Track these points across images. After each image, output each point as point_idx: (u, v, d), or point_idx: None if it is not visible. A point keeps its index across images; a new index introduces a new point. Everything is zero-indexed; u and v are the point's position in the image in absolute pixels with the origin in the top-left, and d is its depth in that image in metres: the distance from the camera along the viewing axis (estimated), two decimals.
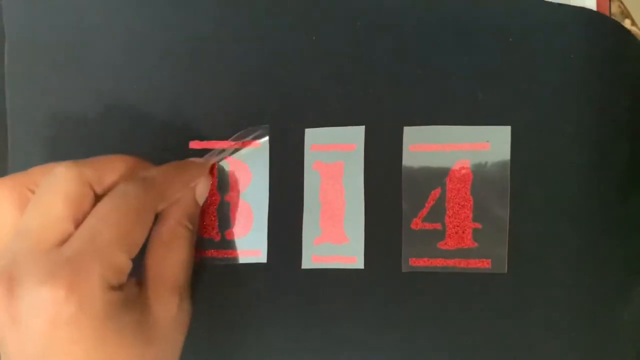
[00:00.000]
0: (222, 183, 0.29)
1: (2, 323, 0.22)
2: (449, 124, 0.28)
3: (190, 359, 0.28)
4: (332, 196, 0.29)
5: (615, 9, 0.34)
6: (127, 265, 0.23)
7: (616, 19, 0.33)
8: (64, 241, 0.23)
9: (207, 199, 0.29)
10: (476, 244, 0.28)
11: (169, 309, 0.25)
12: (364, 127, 0.29)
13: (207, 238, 0.29)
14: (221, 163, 0.29)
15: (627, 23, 0.34)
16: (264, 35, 0.29)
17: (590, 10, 0.28)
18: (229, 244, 0.29)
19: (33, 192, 0.25)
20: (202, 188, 0.28)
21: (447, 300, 0.28)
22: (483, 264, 0.28)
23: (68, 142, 0.30)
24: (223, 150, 0.29)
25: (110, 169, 0.25)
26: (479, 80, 0.28)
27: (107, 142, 0.29)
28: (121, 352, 0.23)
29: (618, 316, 0.28)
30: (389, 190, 0.29)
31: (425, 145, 0.28)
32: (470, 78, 0.28)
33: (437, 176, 0.28)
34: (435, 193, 0.28)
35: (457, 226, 0.28)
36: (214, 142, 0.29)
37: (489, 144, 0.28)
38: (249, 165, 0.29)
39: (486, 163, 0.28)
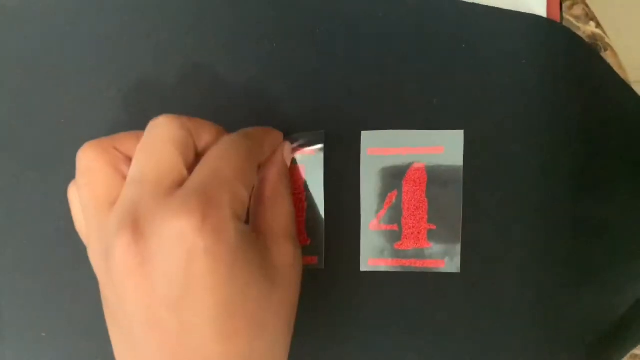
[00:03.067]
0: None
1: (127, 268, 0.21)
2: (405, 128, 0.29)
3: None
4: (295, 198, 0.30)
5: (579, 11, 0.34)
6: (247, 202, 0.24)
7: (581, 22, 0.34)
8: (180, 185, 0.23)
9: None
10: (431, 245, 0.29)
11: (286, 256, 0.25)
12: (324, 131, 0.29)
13: None
14: None
15: (591, 25, 0.34)
16: (228, 40, 0.30)
17: (541, 17, 0.28)
18: None
19: (119, 151, 0.25)
20: (287, 150, 0.28)
21: (404, 299, 0.29)
22: (437, 264, 0.29)
23: (34, 145, 0.31)
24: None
25: (207, 128, 0.25)
26: (434, 86, 0.29)
27: (73, 144, 0.30)
28: (252, 288, 0.23)
29: (569, 314, 0.28)
30: (348, 192, 0.29)
31: (383, 149, 0.29)
32: (425, 84, 0.29)
33: (394, 179, 0.29)
34: (392, 195, 0.29)
35: (413, 227, 0.29)
36: None
37: (443, 148, 0.29)
38: None
39: (440, 166, 0.29)
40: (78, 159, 0.24)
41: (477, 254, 0.28)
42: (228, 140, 0.25)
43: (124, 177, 0.24)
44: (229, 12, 0.30)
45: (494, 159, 0.28)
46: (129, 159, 0.24)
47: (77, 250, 0.30)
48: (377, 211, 0.29)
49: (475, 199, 0.28)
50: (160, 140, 0.23)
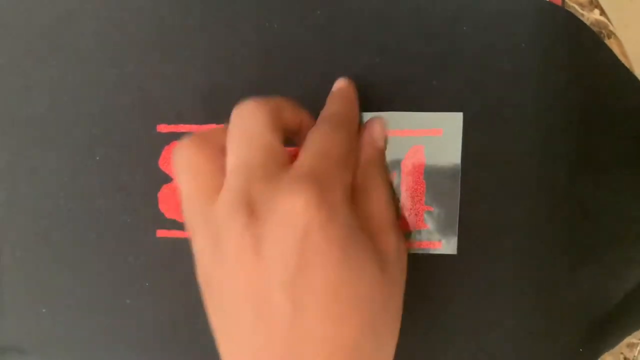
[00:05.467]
0: None
1: (242, 251, 0.22)
2: (404, 110, 0.29)
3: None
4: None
5: None
6: (350, 186, 0.24)
7: (585, 9, 0.34)
8: (285, 167, 0.23)
9: (173, 181, 0.30)
10: (428, 226, 0.29)
11: (389, 245, 0.25)
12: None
13: (170, 219, 0.31)
14: None
15: (595, 13, 0.34)
16: (227, 22, 0.30)
17: (542, 1, 0.28)
18: None
19: (216, 146, 0.25)
20: (378, 129, 0.28)
21: None
22: (434, 245, 0.29)
23: (35, 127, 0.31)
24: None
25: (289, 109, 0.26)
26: (434, 68, 0.29)
27: (75, 125, 0.31)
28: (364, 274, 0.22)
29: (565, 298, 0.28)
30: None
31: None
32: (425, 66, 0.29)
33: (393, 160, 0.29)
34: (392, 177, 0.29)
35: (410, 209, 0.29)
36: (181, 125, 0.31)
37: (442, 130, 0.29)
38: None
39: (439, 148, 0.29)
40: (176, 155, 0.25)
41: (475, 235, 0.28)
42: (327, 125, 0.25)
43: (223, 170, 0.24)
44: None
45: (492, 141, 0.28)
46: (223, 153, 0.24)
47: (78, 228, 0.31)
48: None
49: (474, 181, 0.28)
50: (254, 124, 0.23)
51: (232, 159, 0.24)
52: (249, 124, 0.24)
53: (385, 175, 0.27)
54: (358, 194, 0.25)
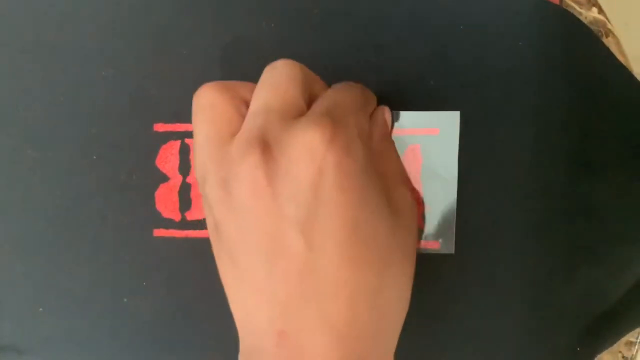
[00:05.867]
0: (184, 165, 0.31)
1: (255, 190, 0.21)
2: (401, 109, 0.29)
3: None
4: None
5: None
6: (367, 132, 0.25)
7: (583, 8, 0.34)
8: (301, 116, 0.23)
9: (170, 181, 0.30)
10: (426, 225, 0.29)
11: (404, 198, 0.25)
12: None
13: (167, 218, 0.31)
14: (187, 143, 0.30)
15: (593, 11, 0.34)
16: (225, 21, 0.30)
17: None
18: (189, 225, 0.30)
19: (240, 96, 0.25)
20: (387, 112, 0.28)
21: None
22: (432, 245, 0.29)
23: (32, 126, 0.31)
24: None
25: (317, 80, 0.26)
26: (431, 67, 0.29)
27: (72, 125, 0.31)
28: (380, 221, 0.22)
29: (562, 297, 0.28)
30: None
31: None
32: (422, 65, 0.29)
33: None
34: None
35: None
36: (178, 124, 0.30)
37: (438, 129, 0.29)
38: None
39: (436, 147, 0.29)
40: (197, 97, 0.24)
41: (472, 235, 0.28)
42: (344, 85, 0.26)
43: (243, 116, 0.24)
44: None
45: (489, 140, 0.28)
46: (246, 102, 0.25)
47: (75, 227, 0.31)
48: None
49: (471, 181, 0.28)
50: (284, 76, 0.24)
51: (254, 103, 0.24)
52: (277, 74, 0.24)
53: (396, 150, 0.28)
54: (373, 153, 0.25)
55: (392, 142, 0.28)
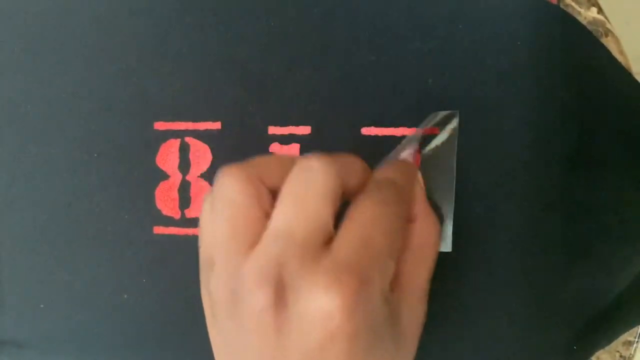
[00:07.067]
0: (184, 163, 0.31)
1: (261, 329, 0.20)
2: (400, 109, 0.29)
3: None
4: None
5: None
6: (392, 273, 0.22)
7: (583, 7, 0.34)
8: (327, 244, 0.21)
9: (170, 178, 0.31)
10: None
11: (417, 318, 0.24)
12: (319, 111, 0.30)
13: (167, 216, 0.31)
14: (187, 141, 0.31)
15: (593, 11, 0.34)
16: (225, 20, 0.30)
17: None
18: (189, 222, 0.31)
19: (265, 184, 0.23)
20: (433, 225, 0.26)
21: None
22: None
23: (33, 124, 0.31)
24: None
25: (356, 173, 0.23)
26: (430, 66, 0.29)
27: (73, 122, 0.31)
28: (379, 357, 0.22)
29: (559, 296, 0.29)
30: None
31: (377, 129, 0.29)
32: (422, 64, 0.29)
33: (388, 159, 0.29)
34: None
35: None
36: (178, 122, 0.31)
37: (437, 128, 0.29)
38: (210, 146, 0.31)
39: (435, 146, 0.29)
40: (220, 185, 0.22)
41: (470, 233, 0.28)
42: (379, 197, 0.23)
43: (267, 215, 0.22)
44: None
45: (488, 140, 0.28)
46: (273, 193, 0.23)
47: (75, 224, 0.31)
48: None
49: (469, 180, 0.28)
50: (314, 191, 0.21)
51: (279, 220, 0.21)
52: (308, 185, 0.22)
53: (430, 265, 0.25)
54: (405, 261, 0.24)
55: (435, 241, 0.25)
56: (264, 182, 0.23)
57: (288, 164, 0.23)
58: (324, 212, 0.21)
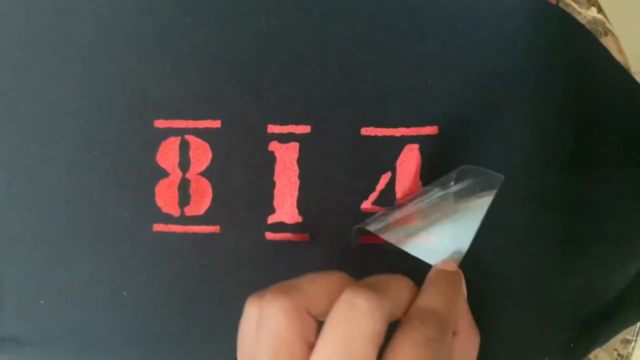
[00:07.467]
0: (184, 161, 0.31)
1: None
2: (400, 109, 0.29)
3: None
4: (287, 176, 0.30)
5: None
6: None
7: (583, 7, 0.34)
8: None
9: (170, 176, 0.31)
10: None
11: None
12: (319, 111, 0.30)
13: (167, 213, 0.31)
14: (187, 139, 0.31)
15: (592, 11, 0.34)
16: (225, 19, 0.30)
17: None
18: (188, 220, 0.31)
19: (312, 315, 0.22)
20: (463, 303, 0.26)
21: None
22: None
23: (33, 122, 0.31)
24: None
25: (400, 300, 0.23)
26: (429, 67, 0.29)
27: (73, 121, 0.31)
28: None
29: (557, 295, 0.29)
30: (341, 173, 0.30)
31: (377, 129, 0.30)
32: (421, 64, 0.29)
33: (388, 160, 0.29)
34: (386, 177, 0.29)
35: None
36: (178, 120, 0.31)
37: (437, 128, 0.29)
38: (210, 144, 0.31)
39: (434, 146, 0.29)
40: (267, 315, 0.22)
41: None
42: (419, 341, 0.22)
43: (310, 346, 0.22)
44: None
45: (487, 139, 0.28)
46: (316, 315, 0.22)
47: (75, 221, 0.31)
48: (370, 192, 0.30)
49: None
50: (359, 335, 0.21)
51: (321, 356, 0.21)
52: (355, 328, 0.21)
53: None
54: None
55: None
56: (309, 310, 0.22)
57: (335, 290, 0.22)
58: (367, 354, 0.21)
